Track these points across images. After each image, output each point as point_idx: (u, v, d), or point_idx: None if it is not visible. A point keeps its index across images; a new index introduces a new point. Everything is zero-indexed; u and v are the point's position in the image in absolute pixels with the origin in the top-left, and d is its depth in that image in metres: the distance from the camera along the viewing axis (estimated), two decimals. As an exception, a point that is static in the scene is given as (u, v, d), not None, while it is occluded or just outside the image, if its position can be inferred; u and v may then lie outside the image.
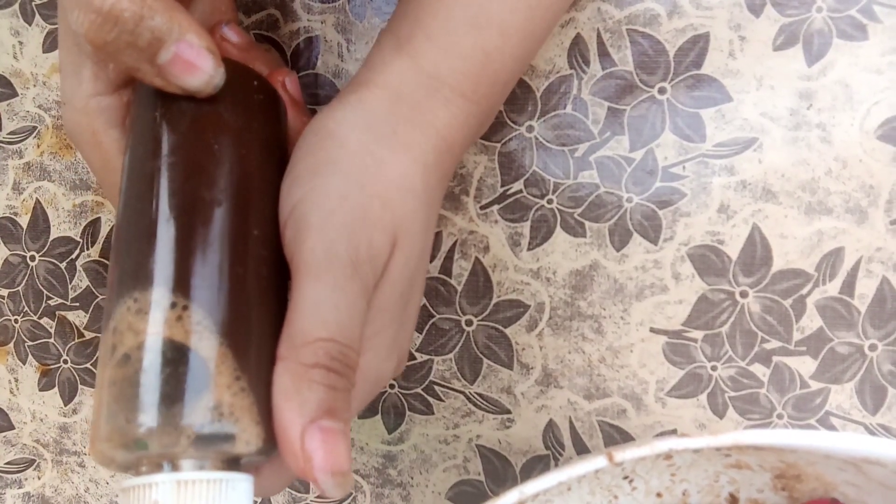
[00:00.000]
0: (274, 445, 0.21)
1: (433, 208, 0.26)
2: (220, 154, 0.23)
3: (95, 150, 0.26)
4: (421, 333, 0.33)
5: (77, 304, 0.36)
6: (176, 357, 0.20)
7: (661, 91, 0.30)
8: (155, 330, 0.20)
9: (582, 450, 0.32)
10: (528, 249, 0.31)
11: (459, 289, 0.32)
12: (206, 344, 0.20)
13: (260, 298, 0.22)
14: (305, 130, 0.25)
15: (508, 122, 0.31)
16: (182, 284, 0.20)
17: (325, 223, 0.22)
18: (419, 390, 0.33)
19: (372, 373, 0.24)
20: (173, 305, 0.20)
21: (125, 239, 0.22)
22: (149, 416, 0.19)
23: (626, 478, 0.27)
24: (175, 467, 0.20)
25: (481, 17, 0.25)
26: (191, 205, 0.22)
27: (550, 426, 0.32)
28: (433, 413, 0.33)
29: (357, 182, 0.23)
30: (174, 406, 0.19)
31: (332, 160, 0.24)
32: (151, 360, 0.20)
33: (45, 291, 0.36)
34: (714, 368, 0.30)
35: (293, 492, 0.35)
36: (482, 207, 0.32)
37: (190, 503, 0.19)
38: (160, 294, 0.20)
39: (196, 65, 0.22)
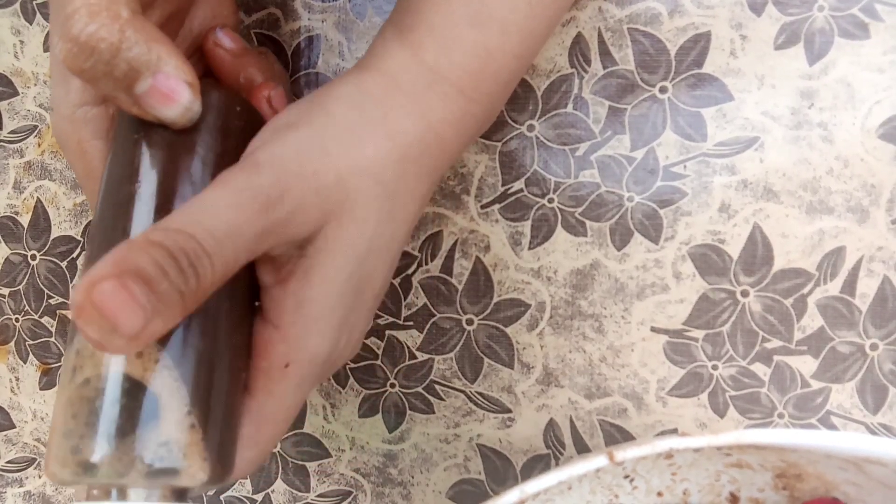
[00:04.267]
0: (220, 477, 0.22)
1: (401, 200, 0.26)
2: (197, 182, 0.23)
3: (80, 159, 0.26)
4: (422, 333, 0.33)
5: (78, 303, 0.36)
6: (133, 392, 0.21)
7: (663, 90, 0.30)
8: (116, 364, 0.21)
9: (583, 449, 0.32)
10: (529, 249, 0.31)
11: (460, 288, 0.32)
12: (162, 382, 0.21)
13: (227, 333, 0.22)
14: (302, 98, 0.26)
15: (509, 121, 0.31)
16: None
17: (267, 162, 0.22)
18: (420, 389, 0.33)
19: (320, 356, 0.24)
20: None
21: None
22: (101, 445, 0.20)
23: (626, 477, 0.27)
24: (122, 495, 0.21)
25: (482, 13, 0.25)
26: None
27: (551, 425, 0.32)
28: (434, 412, 0.33)
29: (324, 149, 0.23)
30: (126, 438, 0.20)
31: (314, 124, 0.24)
32: (110, 392, 0.20)
33: (46, 290, 0.36)
34: (715, 368, 0.30)
35: (294, 491, 0.35)
36: (483, 207, 0.32)
37: None
38: None
39: (172, 97, 0.22)
